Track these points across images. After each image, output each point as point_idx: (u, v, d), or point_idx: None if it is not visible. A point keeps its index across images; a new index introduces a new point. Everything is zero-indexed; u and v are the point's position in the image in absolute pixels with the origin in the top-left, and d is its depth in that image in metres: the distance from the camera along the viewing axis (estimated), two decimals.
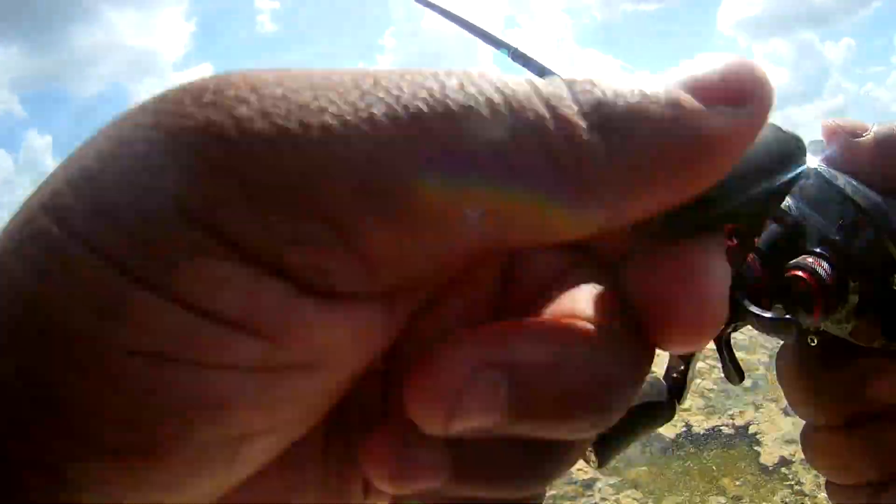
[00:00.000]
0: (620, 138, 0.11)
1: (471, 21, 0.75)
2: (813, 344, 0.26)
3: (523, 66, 0.63)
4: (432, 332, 0.13)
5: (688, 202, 0.12)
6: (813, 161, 0.27)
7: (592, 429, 0.12)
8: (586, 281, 0.14)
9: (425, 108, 0.10)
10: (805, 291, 0.24)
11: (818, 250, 0.25)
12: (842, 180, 0.25)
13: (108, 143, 0.11)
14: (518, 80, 0.11)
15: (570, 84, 0.11)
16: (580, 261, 0.14)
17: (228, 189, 0.10)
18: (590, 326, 0.12)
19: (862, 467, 0.25)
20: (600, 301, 0.13)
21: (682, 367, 0.29)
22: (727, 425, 3.41)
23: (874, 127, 0.26)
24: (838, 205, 0.25)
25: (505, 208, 0.11)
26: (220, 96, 0.10)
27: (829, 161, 0.26)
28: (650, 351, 0.13)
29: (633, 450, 3.32)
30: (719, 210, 0.13)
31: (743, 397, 3.30)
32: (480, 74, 0.11)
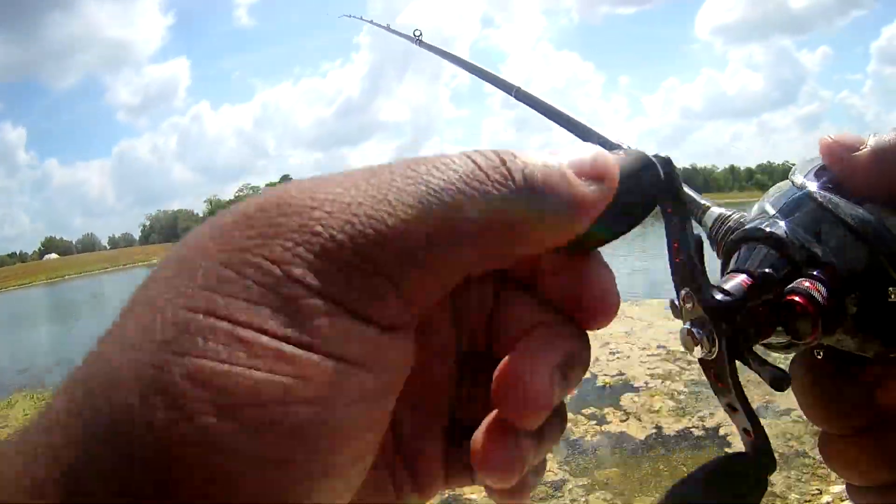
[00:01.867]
0: (540, 196, 0.18)
1: (477, 65, 0.73)
2: (819, 357, 0.27)
3: (527, 104, 0.61)
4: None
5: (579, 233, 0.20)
6: (809, 184, 0.27)
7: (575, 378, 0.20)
8: (525, 295, 0.22)
9: (435, 202, 0.17)
10: (802, 315, 0.25)
11: (815, 273, 0.25)
12: (835, 202, 0.26)
13: None
14: (472, 160, 0.18)
15: (504, 159, 0.18)
16: (517, 287, 0.22)
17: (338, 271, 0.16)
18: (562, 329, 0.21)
19: (876, 470, 0.26)
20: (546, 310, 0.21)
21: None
22: (697, 427, 3.45)
23: (870, 139, 0.26)
24: (832, 226, 0.26)
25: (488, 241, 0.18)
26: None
27: (823, 184, 0.27)
28: (584, 330, 0.21)
29: (603, 451, 3.33)
30: (596, 236, 0.21)
31: (713, 400, 3.34)
32: (452, 164, 0.18)
